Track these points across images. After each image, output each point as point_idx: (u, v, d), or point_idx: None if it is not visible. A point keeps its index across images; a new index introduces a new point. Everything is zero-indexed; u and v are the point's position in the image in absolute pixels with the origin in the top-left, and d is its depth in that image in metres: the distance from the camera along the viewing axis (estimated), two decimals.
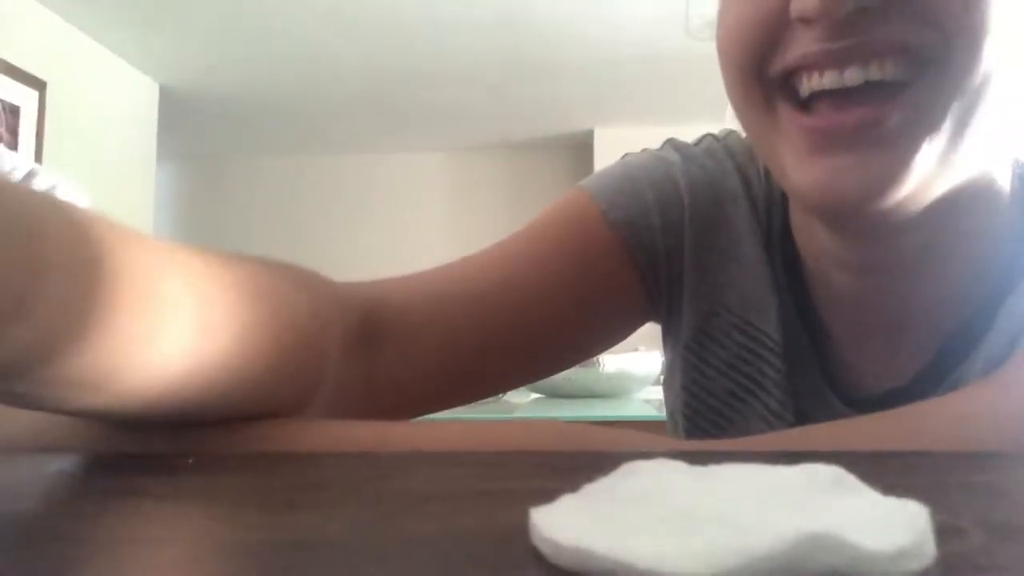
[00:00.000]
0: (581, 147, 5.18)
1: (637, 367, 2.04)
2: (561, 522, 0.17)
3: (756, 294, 0.50)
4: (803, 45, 0.38)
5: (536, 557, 0.17)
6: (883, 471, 0.27)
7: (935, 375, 0.45)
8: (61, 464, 0.32)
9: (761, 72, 0.40)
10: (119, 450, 0.33)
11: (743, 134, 0.51)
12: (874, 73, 0.36)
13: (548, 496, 0.19)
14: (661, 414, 1.85)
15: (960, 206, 0.41)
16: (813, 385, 0.49)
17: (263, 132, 4.92)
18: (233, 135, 5.00)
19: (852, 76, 0.36)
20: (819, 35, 0.37)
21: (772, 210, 0.51)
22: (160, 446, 0.33)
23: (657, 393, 2.33)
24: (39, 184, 0.80)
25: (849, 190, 0.37)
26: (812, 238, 0.47)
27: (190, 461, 0.31)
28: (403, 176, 5.36)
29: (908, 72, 0.37)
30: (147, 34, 3.50)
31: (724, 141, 0.55)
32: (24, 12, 3.04)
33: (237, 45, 3.61)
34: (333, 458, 0.32)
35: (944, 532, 0.16)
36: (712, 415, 0.52)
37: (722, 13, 0.42)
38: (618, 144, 4.67)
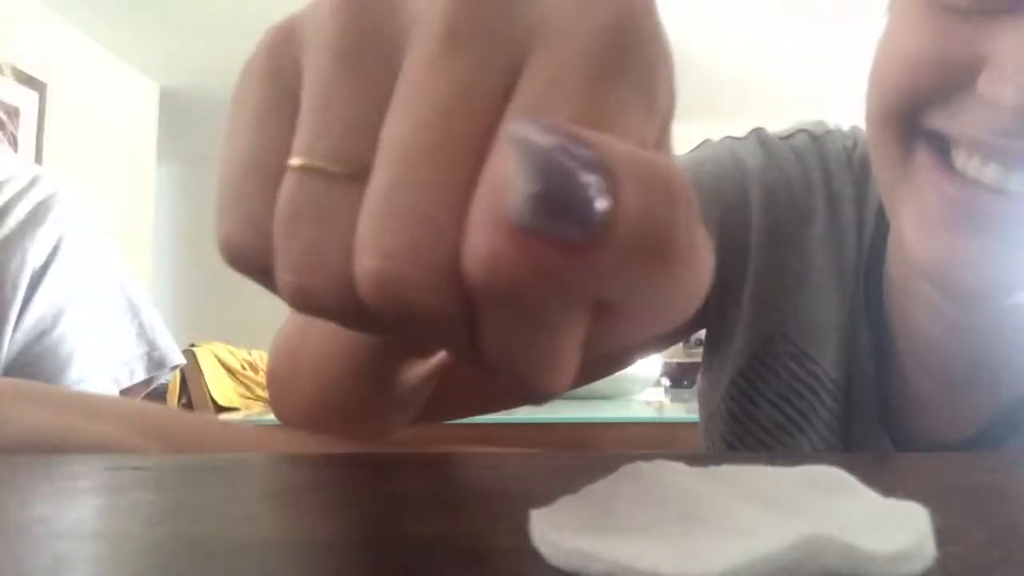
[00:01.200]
0: None
1: (637, 368, 2.04)
2: (561, 523, 0.17)
3: (819, 325, 0.46)
4: (977, 125, 0.32)
5: (536, 558, 0.17)
6: (883, 472, 0.27)
7: (993, 437, 0.42)
8: (60, 464, 0.32)
9: (914, 117, 0.35)
10: (110, 448, 0.33)
11: (843, 130, 0.47)
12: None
13: (548, 496, 0.19)
14: (661, 416, 1.86)
15: None
16: (867, 423, 0.46)
17: None
18: None
19: (1018, 182, 0.31)
20: (1002, 125, 0.31)
21: (863, 234, 0.46)
22: (133, 445, 0.33)
23: (657, 395, 2.33)
24: (39, 192, 0.79)
25: (980, 280, 0.33)
26: (909, 279, 0.42)
27: (190, 462, 0.31)
28: None
29: None
30: (147, 35, 3.50)
31: (820, 142, 0.49)
32: (24, 13, 3.03)
33: (237, 46, 3.60)
34: (333, 458, 0.32)
35: (944, 533, 0.16)
36: (757, 445, 0.48)
37: (888, 36, 0.36)
38: None
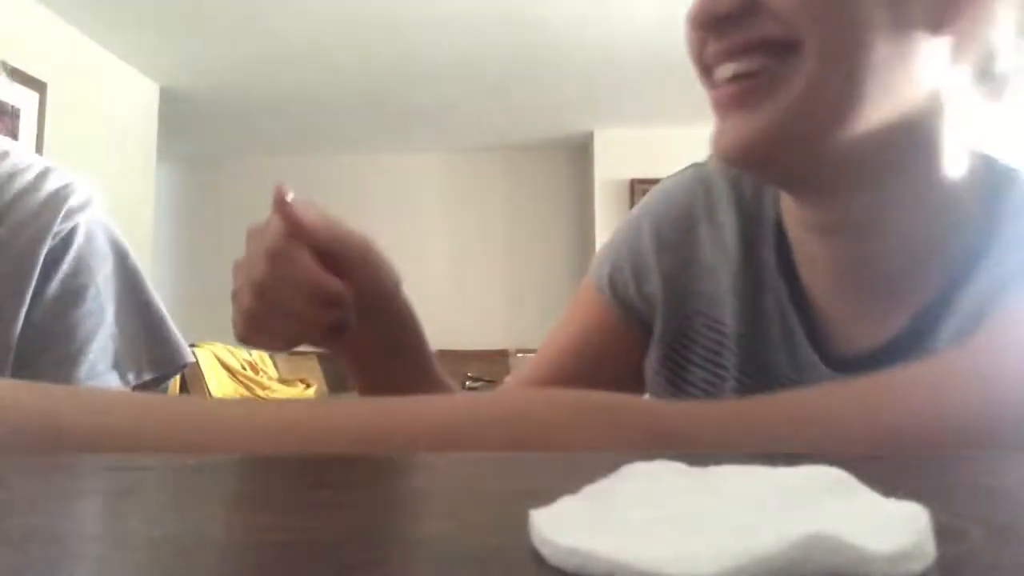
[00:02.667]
0: (580, 148, 5.18)
1: None
2: (561, 523, 0.17)
3: (719, 295, 0.60)
4: (710, 48, 0.50)
5: (536, 558, 0.17)
6: (883, 472, 0.27)
7: (908, 344, 0.51)
8: (60, 464, 0.32)
9: (702, 59, 0.51)
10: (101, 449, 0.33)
11: None
12: (743, 67, 0.48)
13: (548, 496, 0.19)
14: None
15: (887, 174, 0.50)
16: (805, 358, 0.56)
17: (263, 132, 4.92)
18: (233, 135, 5.00)
19: (728, 70, 0.49)
20: (708, 40, 0.49)
21: (747, 220, 0.61)
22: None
23: None
24: (52, 182, 0.78)
25: (729, 146, 0.49)
26: (798, 233, 0.57)
27: (190, 462, 0.31)
28: (402, 176, 5.37)
29: (769, 60, 0.47)
30: (147, 35, 3.50)
31: (703, 166, 0.64)
32: (25, 13, 3.04)
33: (237, 46, 3.61)
34: (333, 458, 0.32)
35: (944, 533, 0.16)
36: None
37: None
38: (617, 145, 4.66)
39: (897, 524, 0.16)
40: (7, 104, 2.90)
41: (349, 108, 4.51)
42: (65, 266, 0.75)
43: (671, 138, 3.91)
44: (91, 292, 0.76)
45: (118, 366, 0.77)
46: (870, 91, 0.47)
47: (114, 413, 0.36)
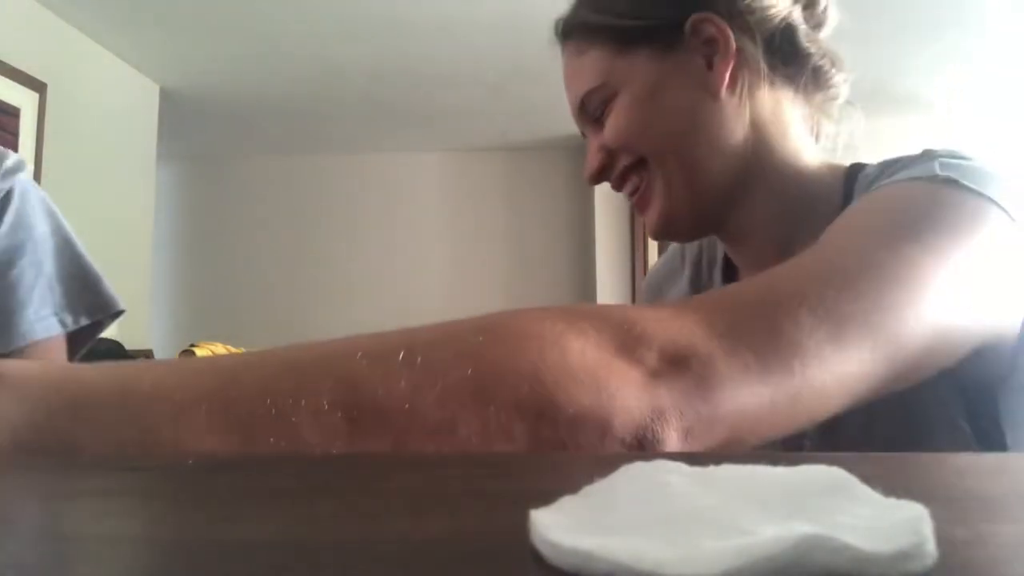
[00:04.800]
0: (580, 149, 5.17)
1: None
2: (561, 523, 0.17)
3: None
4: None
5: (536, 558, 0.17)
6: (883, 472, 0.27)
7: None
8: (60, 465, 0.32)
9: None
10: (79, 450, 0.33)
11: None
12: (629, 188, 0.69)
13: (548, 496, 0.19)
14: None
15: (748, 202, 0.67)
16: None
17: (263, 132, 4.92)
18: (233, 135, 5.00)
19: (626, 192, 0.70)
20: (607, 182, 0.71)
21: (715, 256, 0.79)
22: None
23: None
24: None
25: (652, 233, 0.69)
26: (738, 259, 0.75)
27: (189, 462, 0.31)
28: (402, 176, 5.36)
29: (639, 176, 0.68)
30: (147, 35, 3.50)
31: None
32: (24, 13, 3.03)
33: (238, 45, 3.61)
34: (333, 458, 0.32)
35: (944, 533, 0.16)
36: None
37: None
38: None
39: (897, 524, 0.16)
40: (7, 104, 2.90)
41: (349, 108, 4.50)
42: (6, 223, 0.83)
43: None
44: (30, 246, 0.85)
45: (58, 313, 0.86)
46: (707, 154, 0.65)
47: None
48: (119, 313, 0.92)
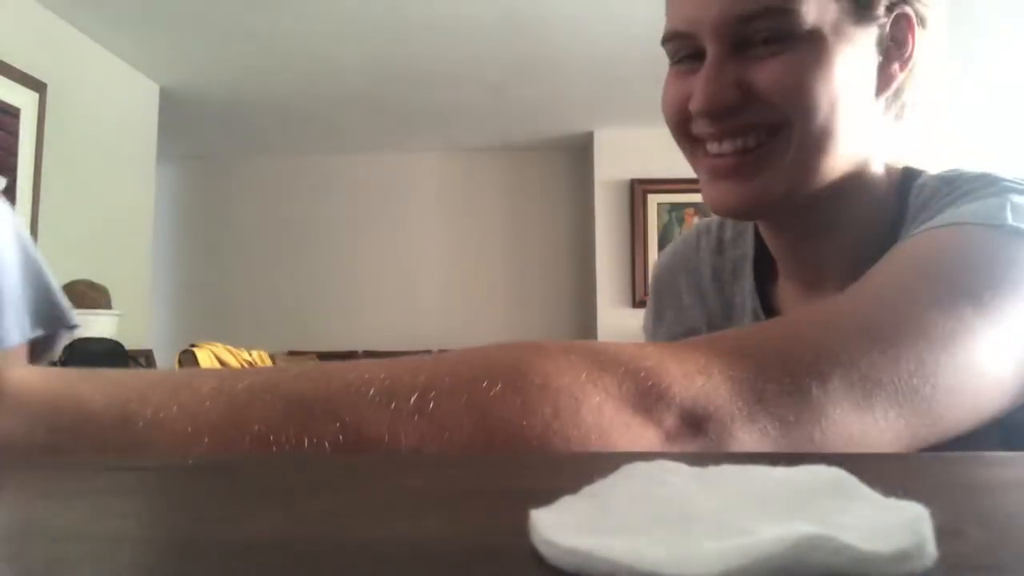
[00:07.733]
0: (581, 148, 5.17)
1: None
2: (561, 523, 0.17)
3: (696, 328, 0.76)
4: (699, 127, 0.61)
5: (536, 557, 0.17)
6: (883, 472, 0.27)
7: None
8: (60, 465, 0.32)
9: (685, 130, 0.63)
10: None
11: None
12: (739, 144, 0.59)
13: (548, 496, 0.19)
14: None
15: (831, 202, 0.62)
16: None
17: (263, 132, 4.92)
18: (233, 135, 5.00)
19: (726, 147, 0.60)
20: (705, 123, 0.60)
21: (740, 249, 0.75)
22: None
23: None
24: None
25: (730, 208, 0.62)
26: (779, 268, 0.71)
27: (189, 462, 0.31)
28: (403, 176, 5.37)
29: (761, 137, 0.59)
30: (147, 35, 3.50)
31: (704, 226, 0.80)
32: (24, 13, 3.03)
33: (237, 45, 3.61)
34: (333, 458, 0.32)
35: (944, 533, 0.16)
36: None
37: (665, 82, 0.64)
38: (618, 146, 4.66)
39: (897, 524, 0.16)
40: (7, 104, 2.90)
41: (349, 108, 4.51)
42: None
43: (671, 138, 3.90)
44: None
45: (19, 323, 0.88)
46: (840, 149, 0.59)
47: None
48: (73, 327, 0.95)
